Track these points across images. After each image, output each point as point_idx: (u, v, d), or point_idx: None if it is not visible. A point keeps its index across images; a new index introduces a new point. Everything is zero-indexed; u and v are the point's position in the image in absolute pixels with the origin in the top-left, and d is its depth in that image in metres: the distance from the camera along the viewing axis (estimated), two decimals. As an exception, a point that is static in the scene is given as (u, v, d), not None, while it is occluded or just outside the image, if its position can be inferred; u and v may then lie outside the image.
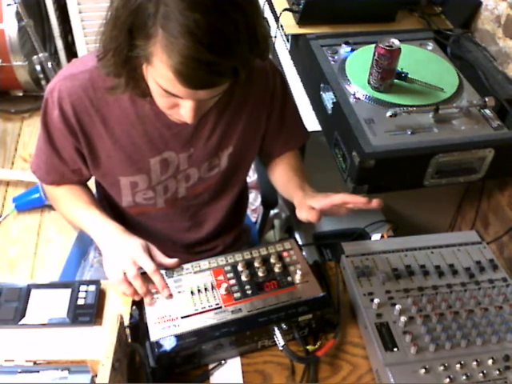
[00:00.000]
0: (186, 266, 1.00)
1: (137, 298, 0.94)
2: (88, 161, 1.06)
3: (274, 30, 1.73)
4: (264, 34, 0.84)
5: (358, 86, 1.38)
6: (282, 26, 1.68)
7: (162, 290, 0.94)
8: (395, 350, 0.91)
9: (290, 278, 0.98)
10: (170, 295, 0.94)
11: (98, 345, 0.81)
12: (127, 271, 0.93)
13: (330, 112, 1.39)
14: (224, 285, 0.95)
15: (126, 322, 0.91)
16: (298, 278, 0.98)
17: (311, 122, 1.51)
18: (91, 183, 1.18)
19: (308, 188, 1.08)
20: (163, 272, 0.98)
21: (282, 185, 1.21)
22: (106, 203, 1.20)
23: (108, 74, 0.89)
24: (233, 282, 0.97)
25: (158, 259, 0.97)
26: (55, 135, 1.03)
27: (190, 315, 0.92)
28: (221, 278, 0.98)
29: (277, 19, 1.67)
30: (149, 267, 0.94)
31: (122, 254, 0.96)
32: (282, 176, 1.21)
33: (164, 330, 0.89)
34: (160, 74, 0.80)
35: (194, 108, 0.86)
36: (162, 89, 0.83)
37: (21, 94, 2.87)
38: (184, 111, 0.87)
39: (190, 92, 0.81)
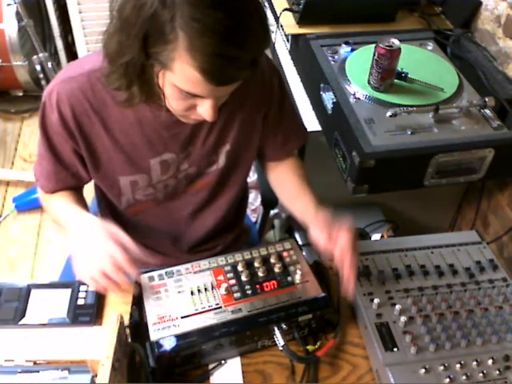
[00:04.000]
0: (185, 265, 1.00)
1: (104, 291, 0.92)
2: (87, 163, 1.06)
3: (274, 29, 1.73)
4: (266, 17, 0.85)
5: (358, 86, 1.38)
6: (281, 26, 1.68)
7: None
8: (395, 350, 0.91)
9: (290, 278, 0.98)
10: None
11: (98, 345, 0.81)
12: (101, 263, 0.89)
13: (329, 112, 1.39)
14: (224, 285, 0.96)
15: (126, 322, 0.91)
16: (297, 277, 0.98)
17: (311, 122, 1.51)
18: (90, 187, 1.18)
19: (320, 206, 1.06)
20: (163, 272, 0.98)
21: (288, 198, 1.19)
22: (105, 206, 1.20)
23: (119, 88, 0.88)
24: (233, 282, 0.97)
25: (132, 250, 0.92)
26: (54, 138, 1.02)
27: (190, 315, 0.92)
28: (221, 278, 0.98)
29: (277, 19, 1.67)
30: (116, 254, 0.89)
31: (90, 241, 0.92)
32: (290, 187, 1.18)
33: (164, 330, 0.89)
34: (183, 76, 0.80)
35: (214, 105, 0.86)
36: (181, 92, 0.83)
37: (21, 94, 2.87)
38: (204, 110, 0.87)
39: (213, 89, 0.82)
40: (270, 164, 1.25)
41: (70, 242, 0.97)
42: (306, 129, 1.26)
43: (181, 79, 0.81)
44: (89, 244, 0.93)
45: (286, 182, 1.21)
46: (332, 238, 0.96)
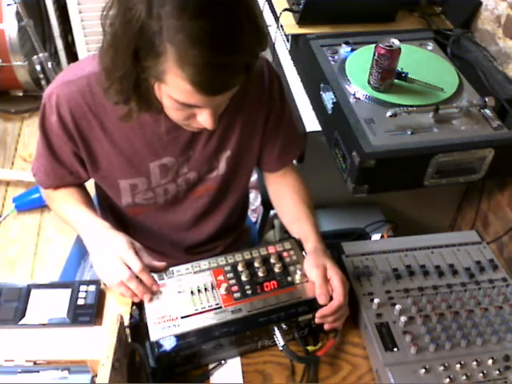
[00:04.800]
0: (185, 265, 1.00)
1: (136, 300, 0.94)
2: (87, 164, 1.06)
3: (273, 29, 1.73)
4: (261, 19, 0.83)
5: (358, 85, 1.38)
6: (281, 26, 1.68)
7: (151, 286, 0.94)
8: (395, 350, 0.91)
9: (289, 278, 0.98)
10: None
11: (98, 345, 0.81)
12: (120, 274, 0.92)
13: (329, 112, 1.39)
14: (224, 285, 0.95)
15: (126, 322, 0.91)
16: (297, 278, 0.98)
17: (311, 122, 1.51)
18: (91, 184, 1.18)
19: (318, 240, 1.05)
20: (163, 272, 0.98)
21: (289, 221, 1.16)
22: (106, 204, 1.20)
23: (117, 102, 0.88)
24: (233, 281, 0.97)
25: (146, 261, 0.96)
26: (53, 139, 1.03)
27: (190, 315, 0.92)
28: (221, 278, 0.98)
29: (277, 19, 1.67)
30: (135, 266, 0.92)
31: (109, 253, 0.94)
32: (290, 208, 1.16)
33: (164, 330, 0.89)
34: (176, 88, 0.79)
35: (213, 114, 0.86)
36: (178, 103, 0.83)
37: (21, 94, 2.87)
38: (203, 119, 0.87)
39: (208, 99, 0.81)
40: (268, 176, 1.24)
41: (89, 252, 1.00)
42: (303, 139, 1.22)
43: (175, 91, 0.81)
44: (103, 253, 0.95)
45: (285, 201, 1.17)
46: (325, 283, 0.95)
